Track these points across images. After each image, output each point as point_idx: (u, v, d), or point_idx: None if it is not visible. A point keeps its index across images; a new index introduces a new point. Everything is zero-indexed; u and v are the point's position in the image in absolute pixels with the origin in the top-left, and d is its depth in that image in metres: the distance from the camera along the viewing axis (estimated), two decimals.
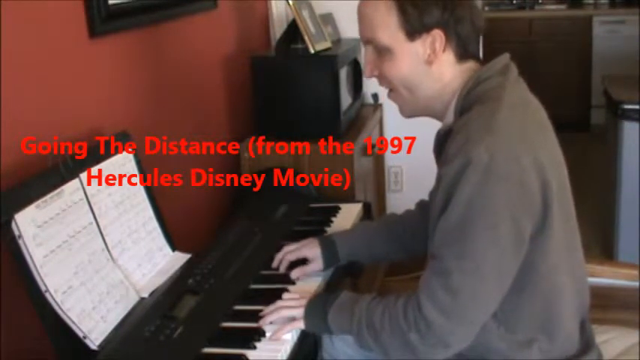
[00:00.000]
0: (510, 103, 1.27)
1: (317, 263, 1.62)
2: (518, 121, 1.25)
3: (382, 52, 1.36)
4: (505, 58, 1.37)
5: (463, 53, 1.35)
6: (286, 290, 1.53)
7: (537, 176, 1.21)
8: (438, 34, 1.31)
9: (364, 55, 1.41)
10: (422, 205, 1.66)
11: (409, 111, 1.42)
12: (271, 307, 1.41)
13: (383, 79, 1.40)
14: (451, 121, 1.34)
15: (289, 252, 1.64)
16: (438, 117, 1.40)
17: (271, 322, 1.38)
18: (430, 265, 1.26)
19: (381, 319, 1.29)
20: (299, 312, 1.39)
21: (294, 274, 1.59)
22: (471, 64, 1.36)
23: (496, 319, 1.29)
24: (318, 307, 1.39)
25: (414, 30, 1.31)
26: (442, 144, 1.33)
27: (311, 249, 1.63)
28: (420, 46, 1.33)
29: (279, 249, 1.72)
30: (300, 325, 1.38)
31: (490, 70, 1.33)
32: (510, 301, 1.27)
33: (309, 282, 1.58)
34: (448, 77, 1.35)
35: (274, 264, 1.64)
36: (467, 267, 1.21)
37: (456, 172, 1.20)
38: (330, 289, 1.60)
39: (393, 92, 1.41)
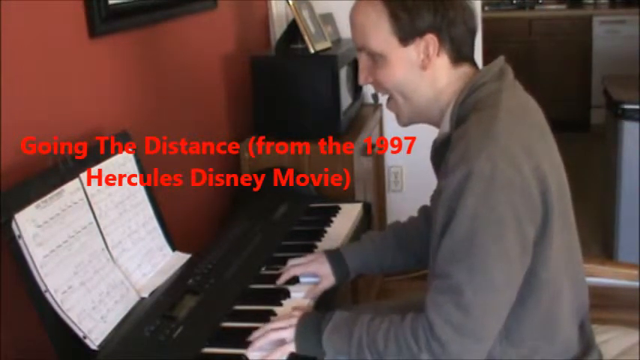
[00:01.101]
0: (508, 108, 1.25)
1: (328, 280, 1.58)
2: (517, 127, 1.24)
3: (376, 59, 1.34)
4: (500, 61, 1.35)
5: (457, 56, 1.33)
6: (287, 290, 1.53)
7: (538, 183, 1.20)
8: (431, 39, 1.30)
9: (359, 61, 1.40)
10: (424, 210, 1.64)
11: (406, 118, 1.40)
12: (259, 331, 1.34)
13: (378, 86, 1.39)
14: (447, 130, 1.32)
15: (295, 266, 1.59)
16: (434, 123, 1.38)
17: (260, 348, 1.31)
18: (436, 284, 1.22)
19: (385, 340, 1.24)
20: (289, 333, 1.32)
21: (306, 294, 1.53)
22: (465, 68, 1.34)
23: (498, 333, 1.26)
24: (310, 327, 1.32)
25: (406, 35, 1.30)
26: (440, 154, 1.32)
27: (320, 265, 1.59)
28: (414, 51, 1.31)
29: (279, 249, 1.73)
30: (291, 348, 1.31)
31: (485, 75, 1.31)
32: (513, 313, 1.25)
33: (298, 303, 1.50)
34: (443, 82, 1.33)
35: (280, 281, 1.57)
36: (478, 282, 1.17)
37: (458, 184, 1.17)
38: (329, 289, 1.59)
39: (390, 100, 1.39)
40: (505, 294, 1.21)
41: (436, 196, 1.27)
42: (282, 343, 1.32)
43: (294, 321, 1.34)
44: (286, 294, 1.52)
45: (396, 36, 1.31)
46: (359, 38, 1.36)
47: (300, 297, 1.51)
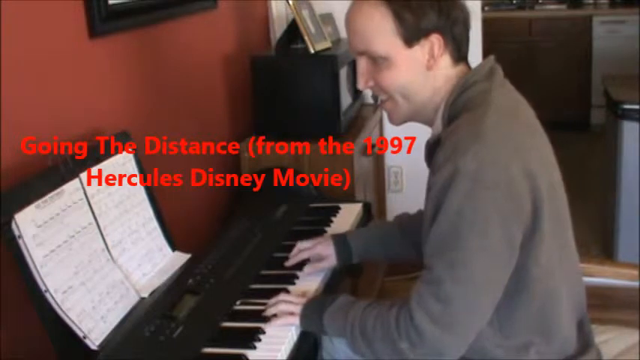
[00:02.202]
0: (497, 108, 1.26)
1: (330, 260, 1.62)
2: (506, 126, 1.24)
3: (378, 62, 1.33)
4: (490, 61, 1.36)
5: (458, 56, 1.34)
6: (286, 290, 1.53)
7: (526, 182, 1.20)
8: (436, 39, 1.30)
9: (357, 66, 1.38)
10: None
11: (402, 117, 1.40)
12: (272, 300, 1.43)
13: (379, 89, 1.38)
14: (439, 130, 1.33)
15: (303, 249, 1.64)
16: (428, 123, 1.39)
17: (271, 315, 1.40)
18: (421, 275, 1.25)
19: (373, 326, 1.28)
20: (297, 309, 1.40)
21: (306, 269, 1.60)
22: (462, 68, 1.35)
23: (492, 326, 1.28)
24: (315, 307, 1.39)
25: (411, 36, 1.30)
26: (432, 153, 1.32)
27: (325, 247, 1.63)
28: (419, 52, 1.31)
29: (279, 249, 1.73)
30: (296, 321, 1.38)
31: (475, 75, 1.32)
32: (505, 307, 1.27)
33: (308, 282, 1.57)
34: (441, 81, 1.33)
35: (289, 264, 1.63)
36: (458, 276, 1.20)
37: (445, 181, 1.19)
38: (329, 289, 1.60)
39: (388, 101, 1.38)
40: (485, 290, 1.22)
41: (427, 192, 1.29)
42: (290, 315, 1.39)
43: (303, 300, 1.43)
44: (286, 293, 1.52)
45: (401, 37, 1.30)
46: (360, 42, 1.34)
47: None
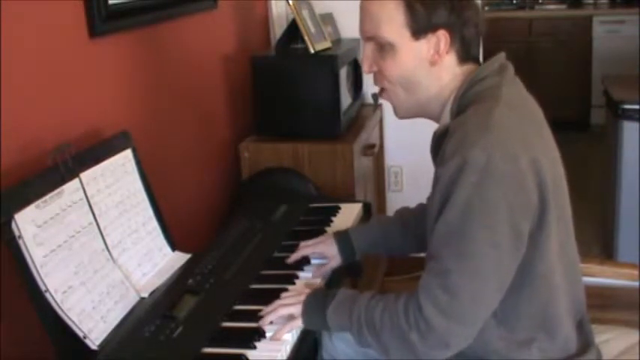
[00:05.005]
0: (507, 102, 1.26)
1: (335, 260, 1.63)
2: (514, 120, 1.25)
3: (384, 49, 1.35)
4: (501, 57, 1.37)
5: (465, 56, 1.35)
6: (286, 290, 1.53)
7: (534, 176, 1.21)
8: (443, 35, 1.31)
9: (364, 50, 1.40)
10: None
11: (404, 111, 1.41)
12: (270, 306, 1.41)
13: (381, 77, 1.39)
14: (447, 122, 1.33)
15: (305, 247, 1.65)
16: (434, 118, 1.40)
17: (271, 322, 1.38)
18: (429, 266, 1.26)
19: (381, 318, 1.29)
20: (297, 309, 1.38)
21: (313, 274, 1.60)
22: (470, 66, 1.36)
23: (495, 319, 1.30)
24: (316, 304, 1.39)
25: (420, 29, 1.31)
26: (439, 145, 1.33)
27: (328, 246, 1.64)
28: (425, 46, 1.32)
29: (279, 249, 1.73)
30: (299, 323, 1.38)
31: (486, 70, 1.33)
32: (509, 301, 1.28)
33: (308, 282, 1.57)
34: (447, 79, 1.34)
35: (290, 261, 1.63)
36: (466, 267, 1.21)
37: (453, 173, 1.20)
38: (329, 289, 1.59)
39: (387, 91, 1.40)
40: (492, 281, 1.23)
41: (434, 184, 1.29)
42: (291, 318, 1.38)
43: (302, 298, 1.40)
44: None
45: (410, 29, 1.31)
46: (370, 27, 1.36)
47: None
